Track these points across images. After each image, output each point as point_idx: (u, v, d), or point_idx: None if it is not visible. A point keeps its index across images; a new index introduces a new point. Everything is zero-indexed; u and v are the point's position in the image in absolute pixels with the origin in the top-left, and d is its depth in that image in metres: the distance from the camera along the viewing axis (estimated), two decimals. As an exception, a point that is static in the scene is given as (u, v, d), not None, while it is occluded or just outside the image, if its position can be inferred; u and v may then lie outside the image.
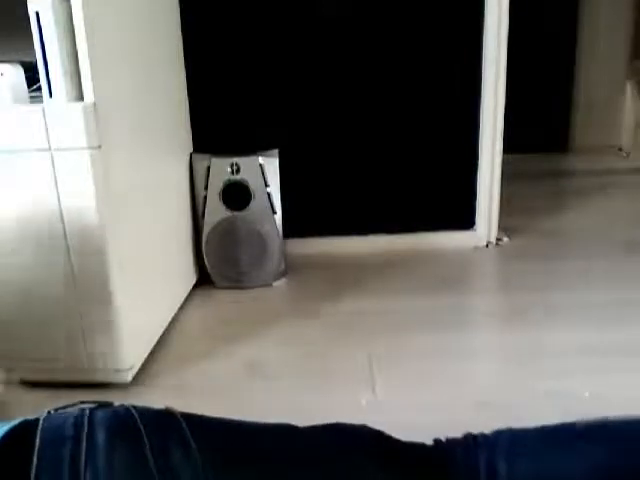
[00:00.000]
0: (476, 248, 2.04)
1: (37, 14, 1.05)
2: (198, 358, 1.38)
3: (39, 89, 1.12)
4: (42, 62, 1.07)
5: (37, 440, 0.59)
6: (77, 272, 1.16)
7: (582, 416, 1.08)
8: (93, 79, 1.09)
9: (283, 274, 1.84)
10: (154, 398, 1.18)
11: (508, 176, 2.04)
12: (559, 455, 0.74)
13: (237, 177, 1.72)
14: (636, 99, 3.19)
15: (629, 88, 3.23)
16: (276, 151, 1.75)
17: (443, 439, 0.81)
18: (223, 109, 1.89)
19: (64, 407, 0.66)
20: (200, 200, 1.75)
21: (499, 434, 0.79)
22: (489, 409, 1.13)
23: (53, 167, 1.10)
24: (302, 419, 0.75)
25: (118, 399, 1.15)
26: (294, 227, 1.92)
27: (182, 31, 1.73)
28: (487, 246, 2.05)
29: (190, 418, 0.67)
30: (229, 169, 1.72)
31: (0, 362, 1.25)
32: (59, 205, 1.12)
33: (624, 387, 1.20)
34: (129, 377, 1.25)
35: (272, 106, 1.90)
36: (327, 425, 0.77)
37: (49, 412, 0.65)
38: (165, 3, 1.60)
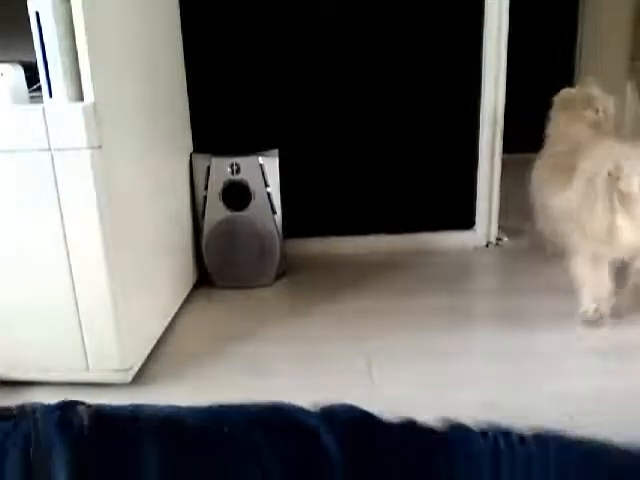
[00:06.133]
0: (476, 248, 2.04)
1: (37, 14, 1.05)
2: (198, 358, 1.38)
3: (39, 89, 1.12)
4: (42, 62, 1.07)
5: None
6: (77, 272, 1.16)
7: (582, 416, 1.09)
8: (93, 79, 1.09)
9: (283, 274, 1.84)
10: (154, 398, 1.17)
11: (508, 176, 2.05)
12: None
13: (237, 177, 1.72)
14: (636, 99, 3.19)
15: (629, 88, 3.23)
16: (276, 151, 1.75)
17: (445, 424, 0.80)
18: (223, 109, 1.89)
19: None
20: (200, 200, 1.75)
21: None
22: (489, 409, 1.13)
23: (53, 167, 1.10)
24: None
25: (118, 399, 1.15)
26: (294, 227, 1.92)
27: (182, 31, 1.73)
28: (487, 246, 2.05)
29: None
30: (229, 169, 1.72)
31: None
32: (59, 205, 1.12)
33: (623, 387, 1.20)
34: (129, 377, 1.25)
35: (272, 106, 1.90)
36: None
37: None
38: (165, 4, 1.60)
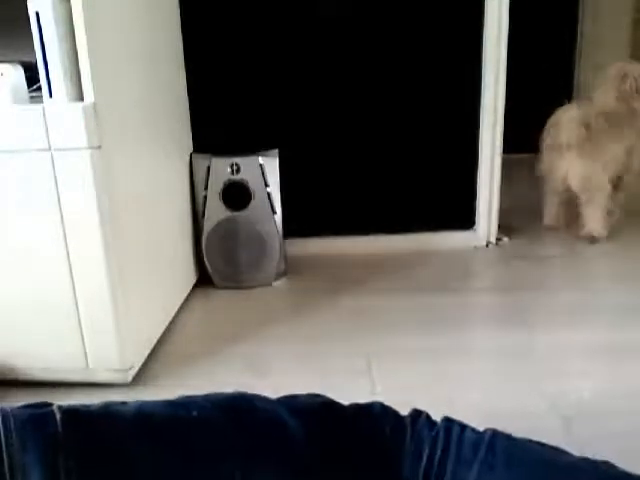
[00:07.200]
0: (476, 248, 2.04)
1: (37, 14, 1.05)
2: (198, 358, 1.38)
3: (39, 89, 1.12)
4: (42, 62, 1.07)
5: None
6: (77, 272, 1.16)
7: (581, 417, 1.09)
8: (93, 79, 1.09)
9: (283, 274, 1.84)
10: (154, 398, 1.17)
11: (508, 176, 2.05)
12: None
13: (237, 177, 1.72)
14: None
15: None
16: (276, 151, 1.75)
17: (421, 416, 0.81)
18: (223, 109, 1.89)
19: None
20: (200, 200, 1.75)
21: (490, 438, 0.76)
22: (489, 410, 1.13)
23: (53, 167, 1.10)
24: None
25: (118, 399, 1.15)
26: (294, 227, 1.92)
27: (182, 31, 1.73)
28: (487, 246, 2.05)
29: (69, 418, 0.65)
30: (229, 169, 1.72)
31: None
32: (59, 205, 1.12)
33: (624, 387, 1.20)
34: (129, 377, 1.25)
35: (272, 106, 1.90)
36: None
37: None
38: (165, 3, 1.60)
